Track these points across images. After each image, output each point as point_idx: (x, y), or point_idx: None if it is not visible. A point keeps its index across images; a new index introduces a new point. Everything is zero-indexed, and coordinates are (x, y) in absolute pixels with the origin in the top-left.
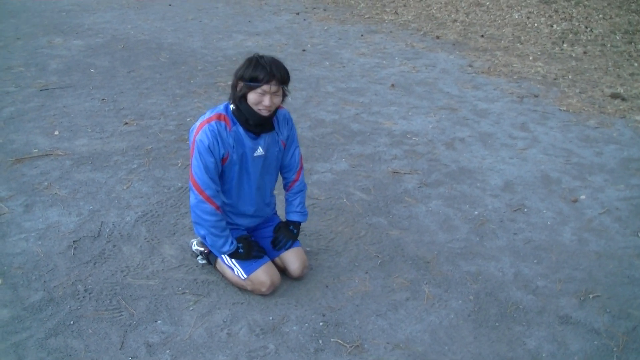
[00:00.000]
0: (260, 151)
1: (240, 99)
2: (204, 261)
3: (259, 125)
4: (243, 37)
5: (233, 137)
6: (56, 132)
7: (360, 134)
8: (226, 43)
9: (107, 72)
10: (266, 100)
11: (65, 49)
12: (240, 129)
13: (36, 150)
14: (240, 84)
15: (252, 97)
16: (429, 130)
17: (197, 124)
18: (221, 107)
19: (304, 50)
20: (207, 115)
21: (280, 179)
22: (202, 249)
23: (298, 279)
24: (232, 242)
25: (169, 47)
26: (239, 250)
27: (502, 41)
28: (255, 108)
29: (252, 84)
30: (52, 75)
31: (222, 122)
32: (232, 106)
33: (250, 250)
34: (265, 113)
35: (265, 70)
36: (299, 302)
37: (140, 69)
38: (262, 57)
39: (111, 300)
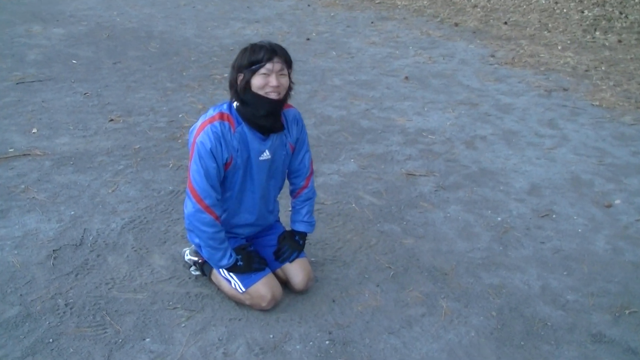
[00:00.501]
0: (266, 154)
1: (244, 90)
2: (197, 272)
3: (269, 114)
4: (241, 25)
5: (238, 139)
6: (34, 130)
7: (371, 132)
8: (222, 31)
9: (90, 63)
10: (272, 80)
11: (44, 38)
12: (246, 129)
13: (12, 149)
14: (241, 75)
15: (256, 81)
16: (446, 127)
17: (198, 123)
18: (224, 105)
19: (308, 39)
20: (210, 113)
21: (285, 184)
22: (195, 258)
23: (302, 292)
24: (230, 255)
25: (159, 36)
26: (238, 263)
27: (528, 28)
28: (262, 93)
29: (254, 67)
30: (30, 67)
31: (226, 123)
32: (235, 104)
33: (250, 262)
34: (274, 96)
35: (264, 48)
36: (302, 318)
37: (127, 60)
38: (257, 42)
39: (95, 316)
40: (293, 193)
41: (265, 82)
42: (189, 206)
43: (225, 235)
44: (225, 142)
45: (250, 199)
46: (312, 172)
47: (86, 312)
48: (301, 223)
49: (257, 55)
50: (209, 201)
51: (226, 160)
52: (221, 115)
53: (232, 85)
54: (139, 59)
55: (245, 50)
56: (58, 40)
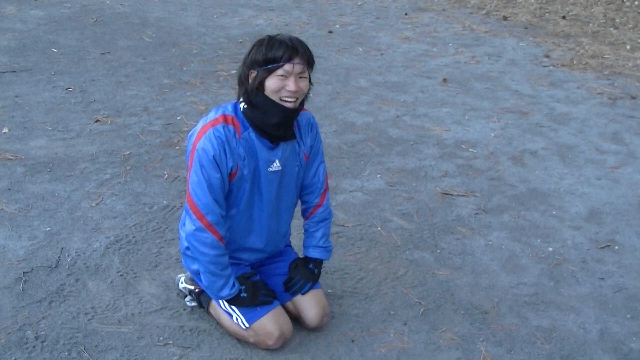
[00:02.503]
0: (277, 165)
1: (255, 92)
2: (193, 303)
3: (281, 123)
4: (252, 13)
5: (244, 146)
6: (5, 130)
7: (401, 143)
8: (230, 20)
9: (74, 53)
10: (290, 84)
11: (19, 21)
12: (253, 135)
13: None
14: (254, 73)
15: (271, 83)
16: (490, 139)
17: (198, 127)
18: (228, 106)
19: (330, 32)
20: (212, 116)
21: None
22: (191, 287)
23: (316, 329)
24: (233, 285)
25: (155, 23)
26: (241, 295)
27: (590, 24)
28: (276, 98)
29: (270, 66)
30: (0, 55)
31: (231, 127)
32: (242, 105)
33: (255, 294)
34: (290, 104)
35: (284, 45)
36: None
37: (117, 50)
38: (276, 34)
39: (70, 352)
40: (305, 213)
41: (281, 85)
42: (188, 224)
43: (228, 262)
44: (230, 149)
45: (258, 218)
46: (327, 188)
47: (60, 347)
48: (315, 248)
49: (275, 52)
50: (212, 218)
51: (231, 169)
52: (225, 118)
53: (242, 82)
54: (132, 49)
55: (261, 43)
56: (36, 24)
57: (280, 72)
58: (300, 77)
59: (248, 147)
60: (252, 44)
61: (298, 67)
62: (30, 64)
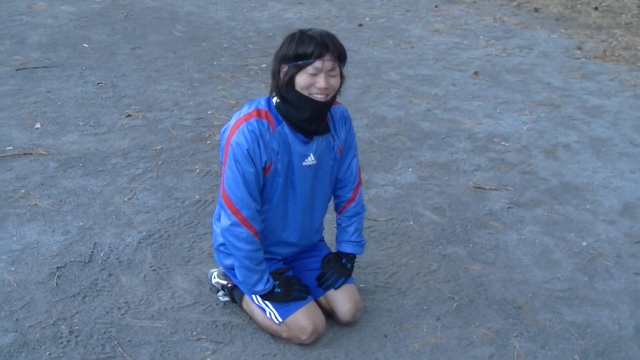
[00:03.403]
0: (311, 159)
1: (286, 87)
2: (226, 298)
3: (313, 118)
4: (282, 7)
5: (277, 140)
6: (37, 125)
7: (433, 136)
8: (259, 14)
9: (104, 48)
10: (321, 81)
11: (50, 17)
12: (287, 129)
13: (11, 147)
14: (285, 68)
15: (301, 79)
16: (522, 133)
17: (232, 122)
18: (261, 100)
19: (360, 25)
20: (245, 110)
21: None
22: (224, 282)
23: (348, 324)
24: (268, 280)
25: (185, 18)
26: (275, 290)
27: (624, 15)
28: (307, 93)
29: (300, 62)
30: (32, 51)
31: (264, 120)
32: (275, 99)
33: (289, 290)
34: (320, 98)
35: (315, 41)
36: (348, 355)
37: (148, 45)
38: (307, 29)
39: (104, 346)
40: (338, 208)
41: (311, 82)
42: (223, 219)
43: (263, 257)
44: (264, 143)
45: (292, 212)
46: (360, 182)
47: (94, 341)
48: (348, 243)
49: (305, 48)
50: (247, 212)
51: (265, 164)
52: (258, 112)
53: (274, 76)
54: (162, 44)
55: (292, 38)
56: (66, 20)
57: (310, 69)
58: (331, 75)
59: (282, 141)
60: (283, 38)
61: (328, 64)
62: (62, 59)
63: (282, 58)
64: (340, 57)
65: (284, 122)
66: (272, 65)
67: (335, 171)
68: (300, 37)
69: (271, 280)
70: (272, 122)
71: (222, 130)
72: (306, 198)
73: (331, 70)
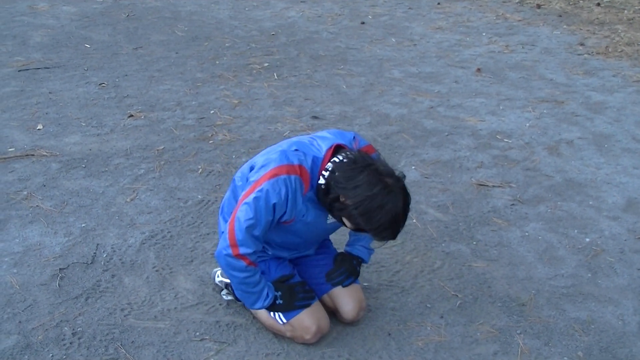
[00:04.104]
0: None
1: (333, 206)
2: (229, 297)
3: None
4: (284, 5)
5: (306, 202)
6: (39, 126)
7: (436, 134)
8: (262, 13)
9: (106, 48)
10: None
11: (52, 17)
12: (315, 197)
13: (13, 149)
14: (349, 207)
15: (348, 224)
16: (525, 129)
17: (273, 164)
18: (310, 155)
19: (363, 23)
20: (291, 158)
21: None
22: (227, 280)
23: (352, 323)
24: (267, 296)
25: (187, 17)
26: (277, 302)
27: (626, 11)
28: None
29: (368, 229)
30: (34, 52)
31: (301, 179)
32: (322, 180)
33: (292, 299)
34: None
35: (391, 236)
36: (352, 353)
37: (150, 45)
38: (400, 210)
39: (107, 348)
40: None
41: (357, 233)
42: (221, 244)
43: (261, 276)
44: (295, 204)
45: (304, 247)
46: None
47: (97, 343)
48: (361, 248)
49: (380, 234)
50: (245, 250)
51: (287, 219)
52: (301, 169)
53: (336, 192)
54: (164, 44)
55: (383, 211)
56: (68, 20)
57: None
58: None
59: (310, 203)
60: (384, 187)
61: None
62: (64, 60)
63: (361, 209)
64: None
65: (314, 191)
66: (343, 186)
67: None
68: (389, 226)
69: (271, 294)
70: (308, 184)
71: (265, 161)
72: (322, 237)
73: None
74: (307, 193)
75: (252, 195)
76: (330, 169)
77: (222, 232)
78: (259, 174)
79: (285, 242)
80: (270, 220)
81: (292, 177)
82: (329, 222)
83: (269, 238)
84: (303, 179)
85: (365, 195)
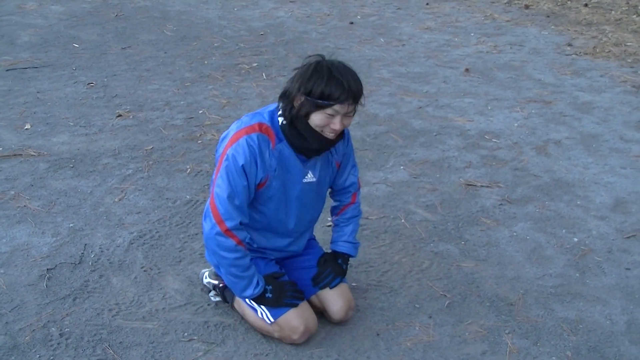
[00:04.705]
0: (310, 176)
1: (297, 118)
2: (218, 298)
3: (320, 150)
4: (273, 5)
5: (277, 157)
6: (27, 126)
7: (424, 134)
8: (251, 12)
9: (95, 48)
10: (336, 123)
11: (40, 17)
12: (287, 148)
13: (0, 148)
14: (302, 99)
15: (317, 118)
16: (514, 129)
17: (232, 132)
18: (265, 113)
19: (351, 23)
20: (246, 122)
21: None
22: (216, 282)
23: (341, 323)
24: (257, 284)
25: (176, 17)
26: (267, 295)
27: (613, 12)
28: (318, 130)
29: (322, 102)
30: (22, 51)
31: (265, 136)
32: (281, 119)
33: (280, 296)
34: (332, 137)
35: (342, 86)
36: (341, 354)
37: (138, 44)
38: (332, 64)
39: (95, 348)
40: (336, 210)
41: (327, 122)
42: (207, 226)
43: (251, 262)
44: (262, 160)
45: (287, 223)
46: (359, 187)
47: (85, 343)
48: (345, 244)
49: (331, 90)
50: (231, 224)
51: (261, 180)
52: (260, 127)
53: (287, 97)
54: (153, 43)
55: (319, 72)
56: (57, 20)
57: (329, 110)
58: (347, 115)
59: (281, 159)
60: (308, 66)
61: (349, 108)
62: (52, 59)
63: (303, 89)
64: (359, 97)
65: (285, 141)
66: (289, 87)
67: (330, 183)
68: (329, 77)
69: (262, 283)
70: (274, 138)
71: (221, 137)
72: (302, 211)
73: (349, 112)
74: (277, 145)
75: (222, 167)
76: (280, 106)
77: (205, 215)
78: (222, 147)
79: (269, 221)
80: (246, 186)
81: (253, 135)
82: (305, 180)
83: (252, 220)
84: (267, 135)
85: (301, 74)
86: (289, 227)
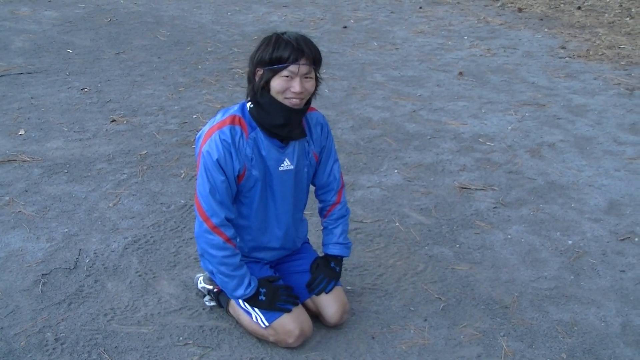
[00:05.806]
0: (287, 164)
1: (261, 91)
2: (213, 303)
3: (286, 124)
4: (266, 10)
5: (252, 146)
6: (21, 131)
7: (418, 138)
8: (244, 17)
9: (89, 53)
10: (295, 85)
11: (34, 22)
12: (261, 135)
13: None
14: (260, 72)
15: (276, 84)
16: (507, 132)
17: (205, 129)
18: (236, 107)
19: (345, 27)
20: (219, 118)
21: (308, 199)
22: (210, 287)
23: (336, 327)
24: (249, 284)
25: (170, 22)
26: (260, 297)
27: (606, 14)
28: (281, 98)
29: (275, 66)
30: (16, 57)
31: (237, 127)
32: (249, 104)
33: (273, 300)
34: (295, 102)
35: (290, 45)
36: (336, 357)
37: (132, 49)
38: (282, 33)
39: (90, 353)
40: (323, 211)
41: (286, 86)
42: (195, 225)
43: (242, 262)
44: (237, 151)
45: (272, 218)
46: (343, 185)
47: (80, 348)
48: (336, 245)
49: (281, 52)
50: (216, 220)
51: (239, 172)
52: (232, 119)
53: (250, 80)
54: (146, 48)
55: (267, 41)
56: (50, 25)
57: (285, 72)
58: (306, 78)
59: (256, 147)
60: (259, 42)
61: (304, 68)
62: (46, 65)
63: (257, 62)
64: (315, 60)
65: (258, 128)
66: (249, 67)
67: (311, 176)
68: (276, 41)
69: (254, 284)
70: (246, 128)
71: (197, 137)
72: (286, 203)
73: (307, 73)
74: (250, 134)
75: (200, 165)
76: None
77: (195, 216)
78: (198, 146)
79: (256, 213)
80: (224, 180)
81: (224, 129)
82: (282, 168)
83: (241, 215)
84: (240, 125)
85: (254, 51)
86: (276, 218)
